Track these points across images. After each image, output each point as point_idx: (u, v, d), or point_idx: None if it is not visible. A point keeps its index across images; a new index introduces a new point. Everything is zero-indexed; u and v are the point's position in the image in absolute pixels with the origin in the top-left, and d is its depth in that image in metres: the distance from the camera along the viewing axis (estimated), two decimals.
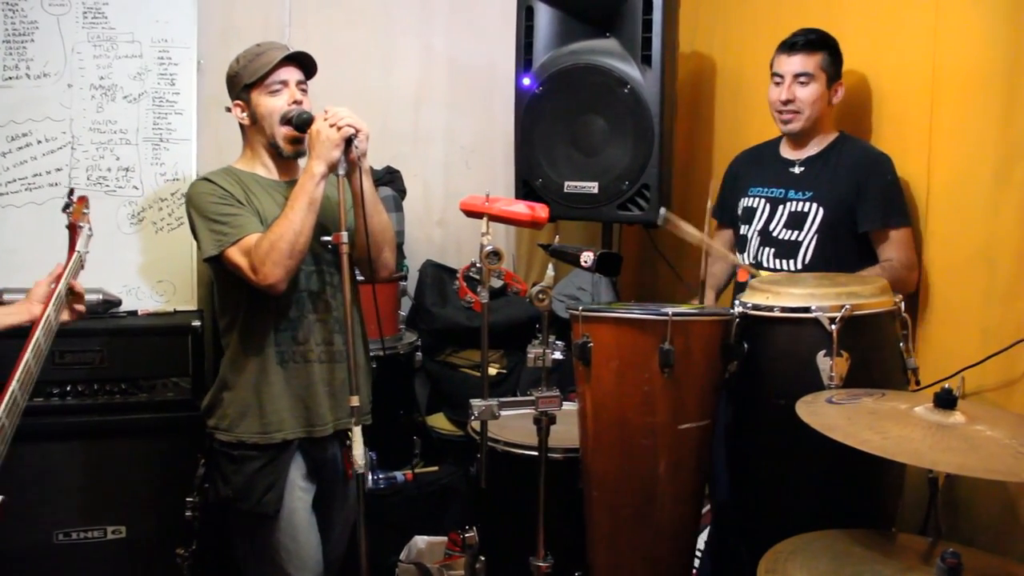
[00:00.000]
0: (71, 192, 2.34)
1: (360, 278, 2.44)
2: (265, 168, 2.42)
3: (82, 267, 2.26)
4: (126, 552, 2.89)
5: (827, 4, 2.87)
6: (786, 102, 2.62)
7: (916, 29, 2.52)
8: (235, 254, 2.23)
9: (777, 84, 2.65)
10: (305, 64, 2.40)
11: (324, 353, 2.38)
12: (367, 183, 2.30)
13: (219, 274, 2.36)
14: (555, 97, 3.33)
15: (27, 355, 1.85)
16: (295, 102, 2.34)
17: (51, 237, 2.98)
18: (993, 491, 2.22)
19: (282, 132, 2.34)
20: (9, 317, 2.07)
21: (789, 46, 2.63)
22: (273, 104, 2.33)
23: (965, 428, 1.66)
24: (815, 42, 2.60)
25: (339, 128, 2.18)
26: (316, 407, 2.36)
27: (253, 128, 2.40)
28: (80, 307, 2.18)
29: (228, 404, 2.35)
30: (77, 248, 2.25)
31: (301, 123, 2.29)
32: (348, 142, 2.19)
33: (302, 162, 2.41)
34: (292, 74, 2.36)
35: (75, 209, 2.31)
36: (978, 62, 2.32)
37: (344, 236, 2.14)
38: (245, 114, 2.38)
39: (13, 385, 1.79)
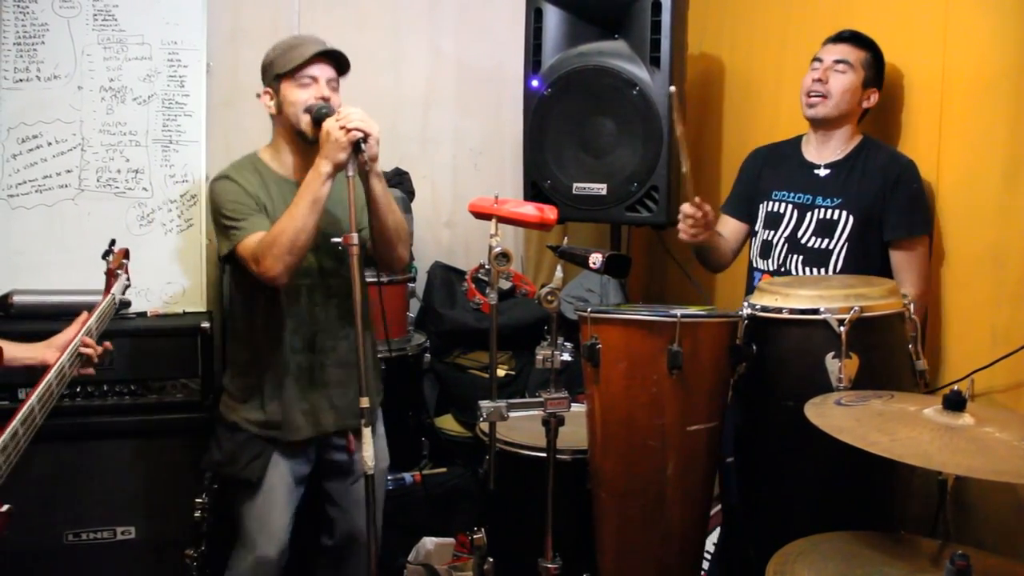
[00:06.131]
0: (113, 242, 2.40)
1: (371, 279, 2.47)
2: (285, 165, 2.46)
3: (115, 311, 2.31)
4: (136, 553, 2.90)
5: (836, 6, 2.86)
6: (817, 81, 2.56)
7: (925, 30, 2.52)
8: (243, 249, 2.30)
9: (814, 69, 2.59)
10: (339, 62, 2.42)
11: (334, 356, 2.45)
12: (377, 184, 2.31)
13: (235, 274, 2.44)
14: (564, 99, 3.33)
15: (32, 399, 1.88)
16: (322, 98, 2.35)
17: (60, 239, 3.02)
18: (1002, 493, 2.21)
19: (305, 119, 2.36)
20: (24, 353, 2.08)
21: (836, 36, 2.59)
22: (299, 96, 2.36)
23: (974, 430, 1.65)
24: (863, 39, 2.55)
25: (347, 131, 2.17)
26: (323, 408, 2.44)
27: (278, 118, 2.43)
28: (89, 370, 2.15)
29: (238, 396, 2.45)
30: (112, 291, 2.30)
31: (319, 116, 2.30)
32: (356, 146, 2.19)
33: None
34: (324, 71, 2.39)
35: (115, 256, 2.37)
36: (987, 63, 2.31)
37: (354, 238, 2.12)
38: (272, 103, 2.42)
39: (15, 423, 1.81)
